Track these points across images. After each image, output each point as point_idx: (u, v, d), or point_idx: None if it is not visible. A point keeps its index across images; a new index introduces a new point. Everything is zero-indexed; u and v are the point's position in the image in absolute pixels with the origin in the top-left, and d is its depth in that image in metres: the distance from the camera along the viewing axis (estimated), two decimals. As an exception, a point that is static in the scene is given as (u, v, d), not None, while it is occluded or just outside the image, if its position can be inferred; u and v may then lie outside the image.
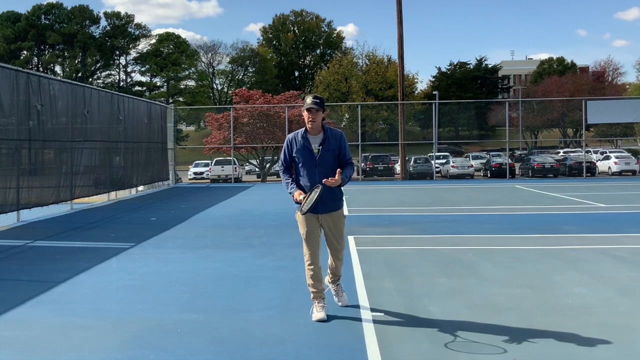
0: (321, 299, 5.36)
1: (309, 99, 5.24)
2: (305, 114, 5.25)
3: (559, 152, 42.84)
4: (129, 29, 77.75)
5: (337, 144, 5.32)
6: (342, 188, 5.38)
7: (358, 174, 29.57)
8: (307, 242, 5.36)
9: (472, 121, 56.98)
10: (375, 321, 5.16)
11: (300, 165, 5.33)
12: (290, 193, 5.36)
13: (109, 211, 15.11)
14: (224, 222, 12.44)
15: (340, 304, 5.65)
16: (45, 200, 13.75)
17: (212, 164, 32.74)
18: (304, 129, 5.39)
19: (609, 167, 31.62)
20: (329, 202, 5.31)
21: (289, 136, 5.42)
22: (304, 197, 5.19)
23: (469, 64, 74.13)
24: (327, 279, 5.71)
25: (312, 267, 5.34)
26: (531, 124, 51.08)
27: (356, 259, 7.92)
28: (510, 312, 5.39)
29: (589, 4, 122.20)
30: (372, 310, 5.50)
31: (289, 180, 5.41)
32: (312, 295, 5.40)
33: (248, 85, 68.12)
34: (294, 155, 5.34)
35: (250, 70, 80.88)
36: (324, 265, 5.56)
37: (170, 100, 70.71)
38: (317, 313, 5.28)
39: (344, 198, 5.54)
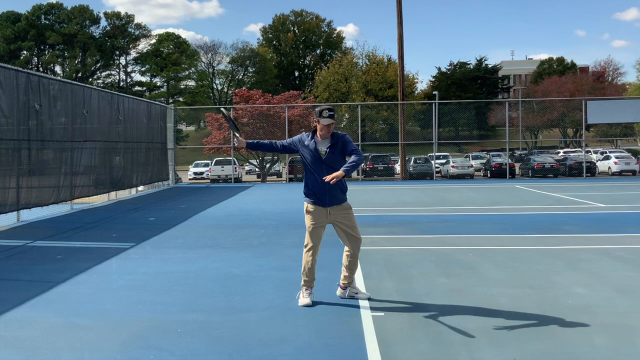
0: (310, 287, 5.78)
1: (325, 113, 5.58)
2: (321, 126, 5.60)
3: (558, 152, 42.83)
4: (129, 29, 77.75)
5: (343, 145, 5.68)
6: (346, 183, 5.81)
7: (358, 174, 29.58)
8: (313, 234, 5.68)
9: (472, 121, 56.97)
10: (375, 321, 5.16)
11: (307, 164, 5.69)
12: (235, 135, 6.06)
13: (109, 211, 15.11)
14: (224, 222, 12.44)
15: (366, 296, 5.88)
16: (45, 200, 13.75)
17: (212, 164, 32.75)
18: (312, 133, 5.74)
19: (609, 167, 31.61)
20: (338, 194, 5.68)
21: (302, 136, 5.78)
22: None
23: (469, 64, 74.14)
24: (339, 291, 5.95)
25: (312, 258, 5.71)
26: (531, 124, 51.08)
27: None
28: (510, 312, 5.39)
29: (587, 5, 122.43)
30: (372, 310, 5.50)
31: (264, 143, 6.08)
32: (303, 282, 5.76)
33: (248, 85, 68.11)
34: (301, 153, 5.72)
35: (250, 70, 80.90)
36: (333, 266, 5.66)
37: (170, 100, 70.72)
38: (304, 299, 5.69)
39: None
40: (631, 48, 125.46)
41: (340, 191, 5.71)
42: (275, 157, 33.59)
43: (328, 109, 5.60)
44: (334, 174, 5.36)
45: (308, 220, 5.71)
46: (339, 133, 5.72)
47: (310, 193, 5.69)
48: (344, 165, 5.55)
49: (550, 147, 53.20)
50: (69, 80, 16.59)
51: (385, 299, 5.89)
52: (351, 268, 5.82)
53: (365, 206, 15.43)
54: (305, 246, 5.76)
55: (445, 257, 8.09)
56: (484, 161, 35.23)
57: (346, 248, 5.83)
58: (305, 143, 5.69)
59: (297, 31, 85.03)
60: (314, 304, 5.68)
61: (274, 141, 6.03)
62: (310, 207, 5.69)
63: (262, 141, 6.07)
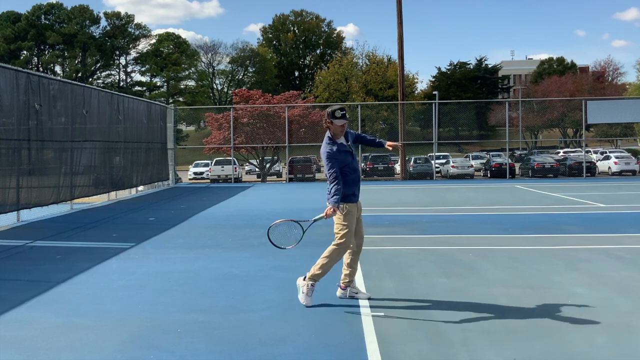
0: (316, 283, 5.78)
1: (338, 113, 5.66)
2: (337, 126, 5.68)
3: (558, 152, 42.82)
4: (129, 29, 77.77)
5: (351, 135, 5.96)
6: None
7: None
8: (351, 235, 5.71)
9: (472, 121, 56.96)
10: (375, 321, 5.16)
11: (346, 165, 5.73)
12: (336, 202, 5.56)
13: (109, 211, 15.11)
14: (224, 222, 12.44)
15: (366, 296, 5.89)
16: (45, 200, 13.75)
17: (212, 164, 32.76)
18: (330, 139, 5.75)
19: (609, 167, 31.62)
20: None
21: (332, 148, 5.71)
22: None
23: (469, 64, 74.17)
24: (339, 291, 5.93)
25: (343, 256, 5.77)
26: (531, 124, 51.09)
27: (356, 259, 7.91)
28: (510, 312, 5.39)
29: (587, 5, 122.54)
30: (372, 310, 5.50)
31: (339, 187, 5.62)
32: (317, 277, 5.68)
33: (248, 85, 68.14)
34: (342, 160, 5.70)
35: (250, 70, 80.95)
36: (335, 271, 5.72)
37: (170, 100, 70.74)
38: (309, 298, 5.67)
39: None
40: (631, 48, 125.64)
41: None
42: (275, 157, 33.58)
43: (339, 109, 5.68)
44: (396, 144, 6.25)
45: (349, 222, 5.67)
46: None
47: (351, 193, 5.71)
48: (380, 140, 6.26)
49: (550, 147, 53.19)
50: (69, 80, 16.59)
51: (385, 299, 5.89)
52: (352, 266, 5.84)
53: (365, 206, 15.39)
54: (342, 245, 5.64)
55: (445, 257, 8.09)
56: (484, 161, 35.23)
57: (353, 245, 5.85)
58: (338, 149, 5.71)
59: (297, 31, 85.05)
60: (313, 304, 5.67)
61: (339, 177, 5.63)
62: (350, 207, 5.71)
63: (339, 188, 5.62)
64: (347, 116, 5.75)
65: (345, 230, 5.65)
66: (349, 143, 5.82)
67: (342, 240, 5.64)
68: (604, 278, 6.71)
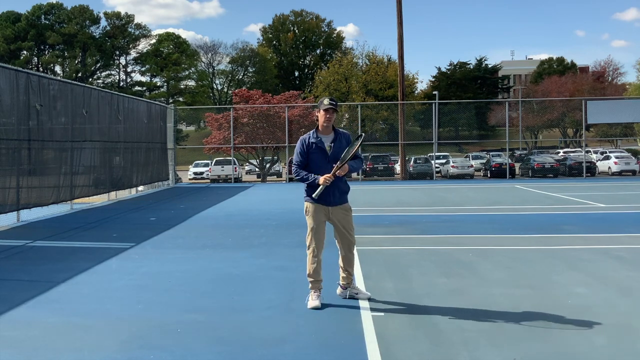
0: (318, 289, 5.68)
1: (326, 101, 5.62)
2: (322, 114, 5.62)
3: (558, 152, 42.82)
4: (129, 29, 77.74)
5: (347, 143, 5.70)
6: (348, 184, 5.81)
7: (358, 174, 29.56)
8: (316, 234, 5.64)
9: (472, 121, 56.93)
10: (375, 321, 5.16)
11: (313, 163, 5.64)
12: (315, 180, 5.53)
13: (109, 211, 15.11)
14: (224, 222, 12.44)
15: (366, 296, 5.86)
16: (45, 200, 13.74)
17: (212, 164, 32.75)
18: (314, 130, 5.72)
19: (609, 167, 31.61)
20: (339, 195, 5.68)
21: (303, 138, 5.73)
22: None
23: (469, 64, 74.14)
24: (339, 290, 5.94)
25: (316, 258, 5.66)
26: (531, 124, 51.07)
27: (356, 259, 7.90)
28: (510, 312, 5.39)
29: (587, 5, 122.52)
30: (372, 310, 5.50)
31: (308, 174, 5.62)
32: (310, 285, 5.68)
33: (248, 85, 68.11)
34: (309, 154, 5.65)
35: (250, 70, 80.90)
36: (333, 265, 5.69)
37: (170, 100, 70.71)
38: (313, 301, 5.59)
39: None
40: (631, 48, 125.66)
41: (344, 192, 5.73)
42: (275, 157, 33.57)
43: (329, 98, 5.66)
44: (343, 171, 5.47)
45: (311, 221, 5.66)
46: (341, 130, 5.77)
47: (313, 193, 5.59)
48: (350, 163, 5.54)
49: (550, 147, 53.16)
50: (69, 80, 16.59)
51: (385, 299, 5.89)
52: (347, 269, 5.82)
53: (365, 206, 15.42)
54: (308, 247, 5.71)
55: (445, 257, 8.09)
56: (484, 161, 35.22)
57: (339, 249, 5.84)
58: (311, 140, 5.65)
59: (297, 31, 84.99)
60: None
61: (300, 170, 5.66)
62: (311, 206, 5.64)
63: (306, 177, 5.63)
64: (336, 106, 5.60)
65: (309, 233, 5.70)
66: (331, 145, 5.59)
67: (307, 243, 5.74)
68: (604, 278, 6.71)
